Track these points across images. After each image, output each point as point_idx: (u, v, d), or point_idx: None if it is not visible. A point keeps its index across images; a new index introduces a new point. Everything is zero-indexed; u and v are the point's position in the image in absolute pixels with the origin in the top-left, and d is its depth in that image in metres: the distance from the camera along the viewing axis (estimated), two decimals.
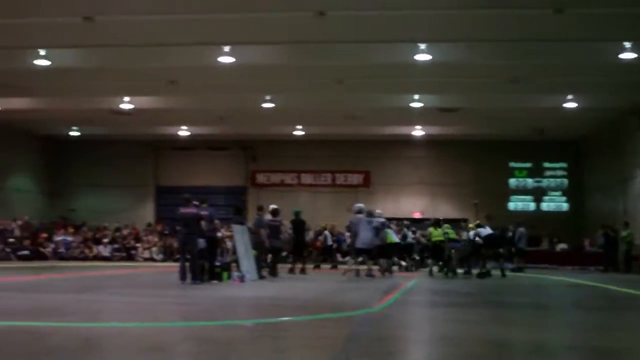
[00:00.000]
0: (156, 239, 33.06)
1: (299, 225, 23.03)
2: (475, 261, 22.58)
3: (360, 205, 21.82)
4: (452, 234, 22.95)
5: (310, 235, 28.47)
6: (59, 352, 6.55)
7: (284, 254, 24.28)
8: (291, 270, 21.73)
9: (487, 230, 22.23)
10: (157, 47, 20.73)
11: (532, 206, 35.92)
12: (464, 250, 22.93)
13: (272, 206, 20.95)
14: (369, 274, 20.14)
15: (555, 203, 35.91)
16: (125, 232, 33.95)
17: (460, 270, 22.52)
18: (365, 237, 20.31)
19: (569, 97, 25.98)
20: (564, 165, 36.05)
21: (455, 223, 27.05)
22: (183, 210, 16.41)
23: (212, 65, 21.63)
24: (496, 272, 21.44)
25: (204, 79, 24.40)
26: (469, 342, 7.75)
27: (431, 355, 7.27)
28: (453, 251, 22.81)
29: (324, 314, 10.07)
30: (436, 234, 22.30)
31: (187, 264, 16.09)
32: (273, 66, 22.83)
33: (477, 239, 22.23)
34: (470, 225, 23.14)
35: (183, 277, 15.95)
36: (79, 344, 7.07)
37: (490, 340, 7.98)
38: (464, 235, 24.02)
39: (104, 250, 32.03)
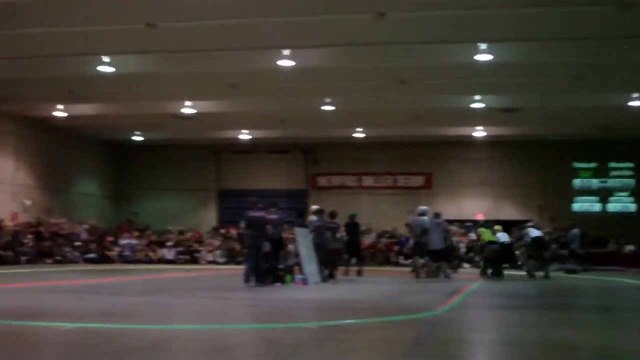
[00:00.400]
0: (219, 242, 33.37)
1: (353, 227, 23.03)
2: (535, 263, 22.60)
3: (425, 207, 21.98)
4: (490, 236, 22.84)
5: (372, 237, 28.39)
6: (129, 354, 6.67)
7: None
8: (346, 273, 21.74)
9: (536, 232, 22.31)
10: (218, 51, 20.96)
11: (597, 207, 35.12)
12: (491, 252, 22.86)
13: (314, 207, 20.90)
14: (446, 275, 20.47)
15: (622, 204, 35.08)
16: (188, 235, 34.37)
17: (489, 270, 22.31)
18: (437, 239, 20.62)
19: (635, 95, 25.39)
20: (630, 165, 35.20)
21: (519, 224, 26.78)
22: (252, 213, 16.53)
23: (272, 68, 21.76)
24: (556, 274, 21.18)
25: (264, 82, 24.53)
26: (534, 345, 7.65)
27: (497, 358, 7.19)
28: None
29: (389, 317, 10.05)
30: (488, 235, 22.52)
31: (252, 266, 16.20)
32: (333, 68, 22.85)
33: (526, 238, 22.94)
34: (496, 227, 23.11)
35: (248, 279, 16.08)
36: (148, 346, 7.19)
37: (555, 343, 7.86)
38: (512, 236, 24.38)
39: (168, 254, 32.44)
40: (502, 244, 22.30)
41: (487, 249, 22.28)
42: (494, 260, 22.33)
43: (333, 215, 20.84)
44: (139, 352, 6.77)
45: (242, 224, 19.55)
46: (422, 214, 21.42)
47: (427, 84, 24.46)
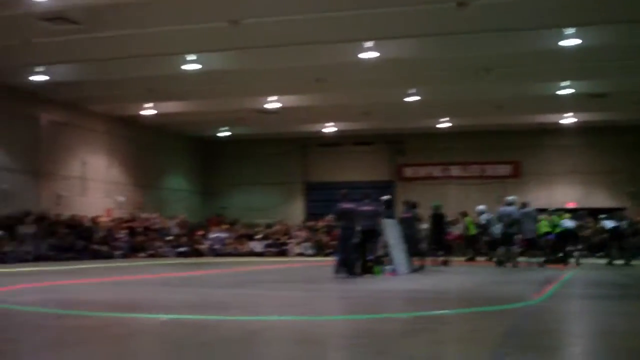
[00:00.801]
0: (307, 234, 33.63)
1: (438, 218, 22.84)
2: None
3: (513, 197, 21.87)
4: (546, 227, 23.06)
5: (459, 227, 28.04)
6: (224, 344, 6.79)
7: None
8: (433, 264, 21.60)
9: (611, 223, 23.34)
10: (302, 45, 21.10)
11: None
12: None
13: (385, 197, 20.60)
14: (539, 265, 20.58)
15: None
16: (275, 228, 34.75)
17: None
18: (529, 228, 20.79)
19: None
20: None
21: (613, 212, 26.17)
22: (342, 205, 16.55)
23: (356, 61, 21.77)
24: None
25: (349, 74, 24.58)
26: (634, 336, 7.44)
27: (595, 349, 7.03)
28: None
29: (481, 307, 9.93)
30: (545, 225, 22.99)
31: (343, 258, 16.24)
32: (417, 59, 22.75)
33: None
34: (565, 215, 23.60)
35: (338, 270, 16.12)
36: (242, 336, 7.30)
37: None
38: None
39: (257, 246, 32.87)
40: (567, 229, 23.02)
41: (544, 240, 22.39)
42: (556, 247, 22.88)
43: (412, 205, 20.66)
44: (233, 342, 6.88)
45: (332, 216, 19.59)
46: (510, 203, 21.23)
47: (512, 72, 24.10)
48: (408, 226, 19.27)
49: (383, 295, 12.49)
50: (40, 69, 24.26)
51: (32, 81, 25.11)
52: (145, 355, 6.47)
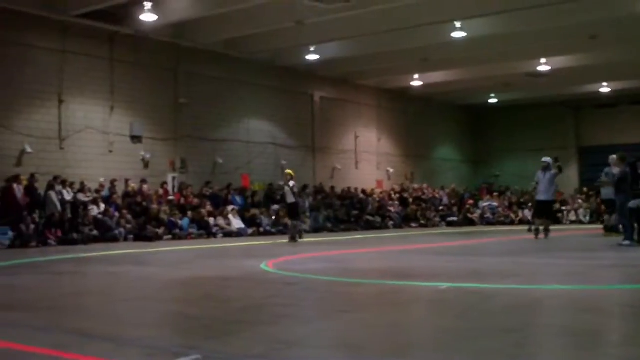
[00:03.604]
0: (582, 201, 32.31)
1: None
2: None
3: None
4: None
5: None
6: (508, 312, 6.70)
7: None
8: None
9: None
10: (571, 2, 20.18)
11: None
12: None
13: None
14: None
15: None
16: None
17: None
18: None
19: None
20: None
21: None
22: (619, 169, 15.67)
23: (634, 12, 20.40)
24: None
25: (625, 30, 23.09)
26: None
27: None
28: None
29: None
30: None
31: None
32: None
33: None
34: None
35: (629, 237, 15.09)
36: (524, 304, 7.16)
37: None
38: None
39: (529, 215, 32.05)
40: None
41: None
42: None
43: None
44: (516, 310, 6.78)
45: (601, 180, 18.42)
46: None
47: None
48: None
49: None
50: (312, 48, 25.50)
51: (306, 60, 26.44)
52: (434, 320, 6.56)
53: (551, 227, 19.20)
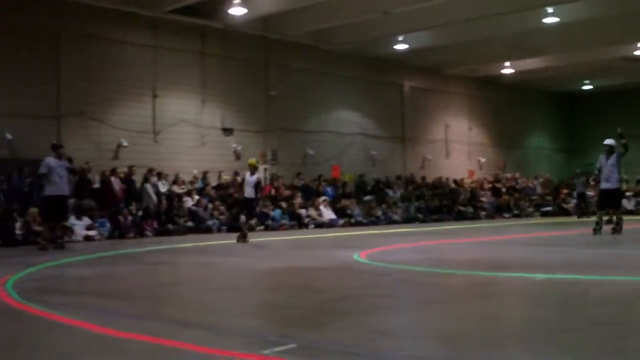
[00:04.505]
0: None
1: None
2: None
3: None
4: None
5: None
6: (606, 303, 6.55)
7: None
8: None
9: None
10: None
11: None
12: None
13: None
14: None
15: None
16: None
17: None
18: None
19: None
20: None
21: None
22: None
23: None
24: None
25: None
26: None
27: None
28: None
29: None
30: None
31: None
32: None
33: None
34: None
35: None
36: (623, 296, 6.98)
37: None
38: None
39: (628, 205, 31.14)
40: None
41: None
42: None
43: None
44: (615, 302, 6.62)
45: None
46: None
47: None
48: None
49: None
50: (400, 37, 25.38)
51: (395, 50, 26.34)
52: (531, 311, 6.45)
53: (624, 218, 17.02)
